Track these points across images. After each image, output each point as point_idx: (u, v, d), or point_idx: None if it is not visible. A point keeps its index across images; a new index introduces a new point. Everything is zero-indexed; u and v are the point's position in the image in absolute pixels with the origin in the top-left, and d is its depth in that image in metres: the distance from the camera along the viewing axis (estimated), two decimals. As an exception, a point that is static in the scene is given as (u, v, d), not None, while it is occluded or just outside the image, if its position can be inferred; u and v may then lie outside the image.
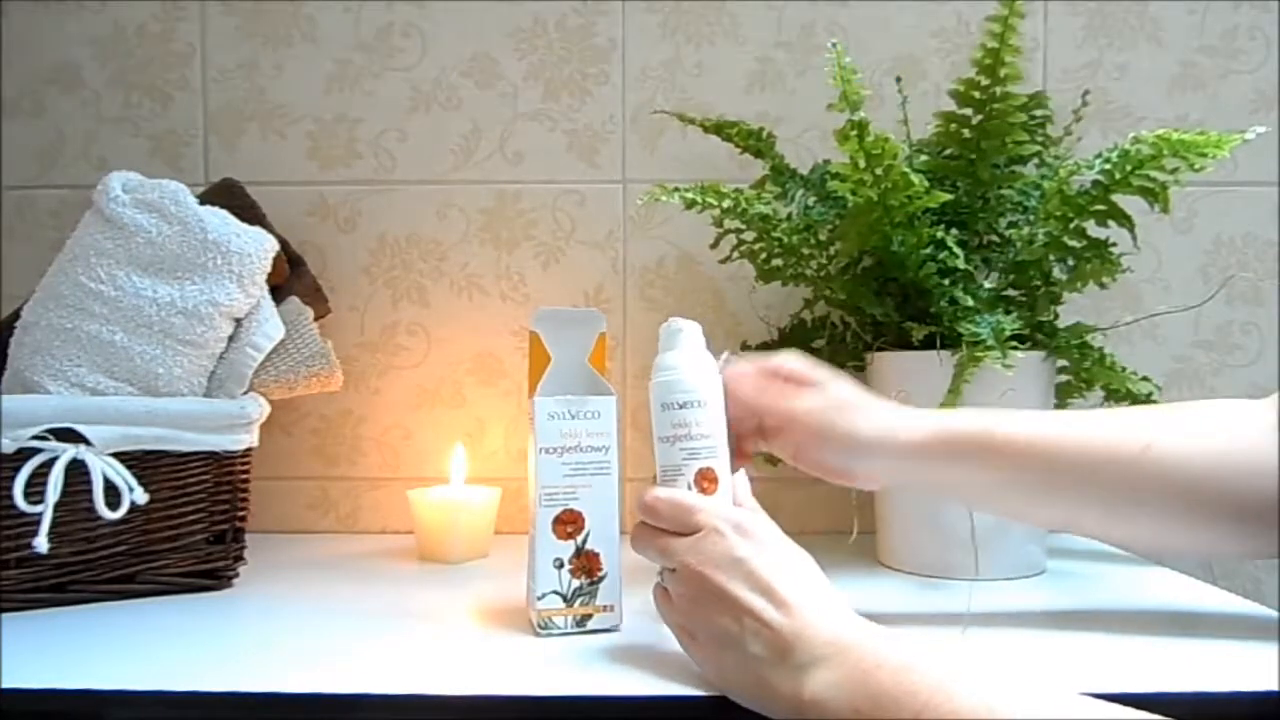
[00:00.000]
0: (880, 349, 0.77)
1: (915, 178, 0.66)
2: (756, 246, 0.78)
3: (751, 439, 0.59)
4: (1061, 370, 0.75)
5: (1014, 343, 0.65)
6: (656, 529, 0.51)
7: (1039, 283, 0.73)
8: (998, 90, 0.70)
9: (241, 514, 0.72)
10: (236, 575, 0.71)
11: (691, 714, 0.48)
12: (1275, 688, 0.46)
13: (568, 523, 0.57)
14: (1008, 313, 0.69)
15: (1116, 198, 0.67)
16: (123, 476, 0.64)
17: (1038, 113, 0.77)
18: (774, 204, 0.76)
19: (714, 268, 0.90)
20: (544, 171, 0.95)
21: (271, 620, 0.63)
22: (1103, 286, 0.73)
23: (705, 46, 0.94)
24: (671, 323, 0.56)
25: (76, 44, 0.95)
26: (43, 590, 0.64)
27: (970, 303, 0.69)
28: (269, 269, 0.73)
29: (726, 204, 0.71)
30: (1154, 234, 0.89)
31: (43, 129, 0.95)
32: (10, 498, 0.60)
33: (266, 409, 0.73)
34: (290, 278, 0.81)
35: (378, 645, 0.57)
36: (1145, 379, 0.71)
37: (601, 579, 0.58)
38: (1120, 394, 0.70)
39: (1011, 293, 0.74)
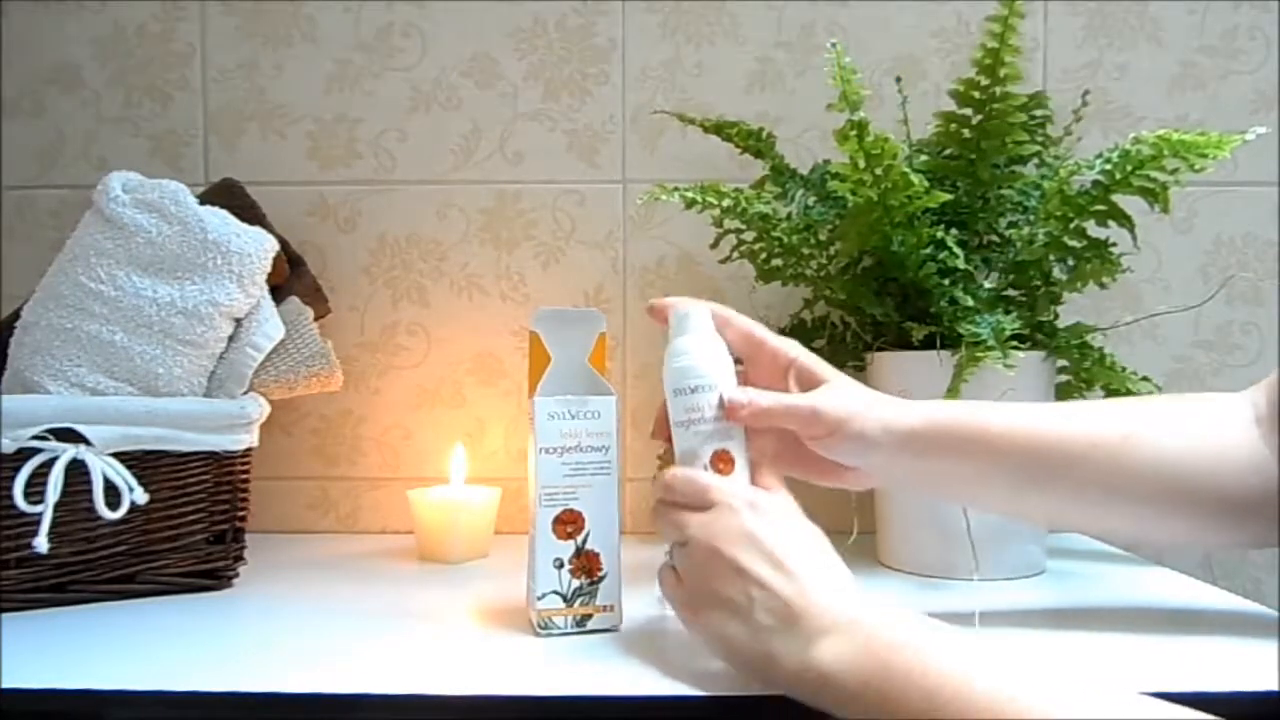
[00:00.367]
0: (880, 349, 0.77)
1: (915, 178, 0.66)
2: (756, 246, 0.78)
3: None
4: (1061, 370, 0.75)
5: (1014, 343, 0.65)
6: (673, 504, 0.52)
7: (1039, 283, 0.73)
8: (998, 90, 0.70)
9: (241, 514, 0.72)
10: (236, 575, 0.71)
11: (691, 714, 0.48)
12: (1275, 688, 0.46)
13: (568, 523, 0.57)
14: (1007, 313, 0.69)
15: (1116, 198, 0.67)
16: (123, 476, 0.64)
17: (1038, 113, 0.77)
18: (774, 204, 0.76)
19: (714, 268, 0.90)
20: (544, 171, 0.95)
21: (271, 620, 0.63)
22: (1103, 286, 0.73)
23: (705, 46, 0.94)
24: (678, 306, 0.56)
25: (76, 44, 0.95)
26: (43, 590, 0.64)
27: (970, 303, 0.69)
28: (269, 269, 0.73)
29: (726, 204, 0.71)
30: (1154, 234, 0.89)
31: (43, 129, 0.95)
32: (10, 498, 0.60)
33: (266, 409, 0.73)
34: (290, 278, 0.81)
35: (378, 645, 0.57)
36: (1145, 379, 0.71)
37: (601, 579, 0.58)
38: (1120, 394, 0.70)
39: (1011, 293, 0.74)
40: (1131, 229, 0.69)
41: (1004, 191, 0.74)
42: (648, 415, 0.95)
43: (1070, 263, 0.72)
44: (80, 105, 0.95)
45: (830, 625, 0.44)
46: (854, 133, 0.65)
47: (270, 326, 0.74)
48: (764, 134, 0.81)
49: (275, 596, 0.69)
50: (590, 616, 0.58)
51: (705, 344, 0.55)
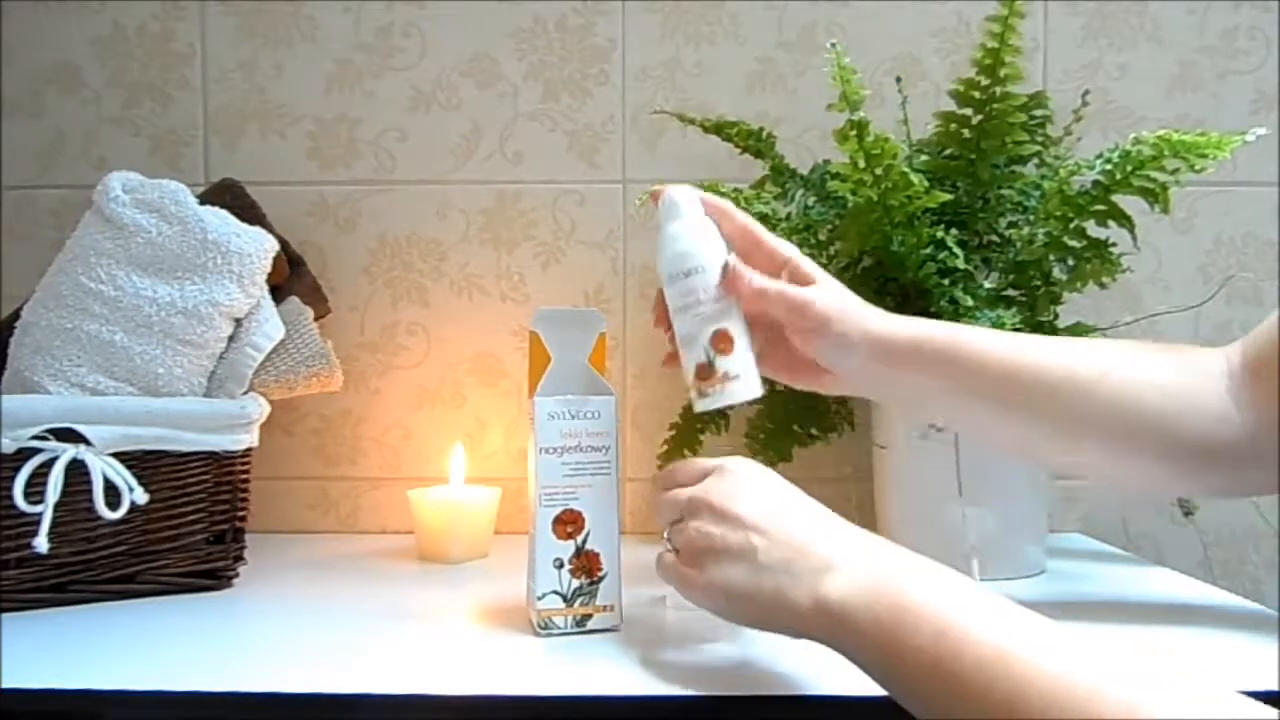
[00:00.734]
0: (880, 349, 0.77)
1: (915, 178, 0.66)
2: (756, 246, 0.78)
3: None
4: (1061, 370, 0.75)
5: (1014, 343, 0.65)
6: (673, 484, 0.52)
7: (1039, 283, 0.73)
8: (998, 90, 0.70)
9: (241, 514, 0.72)
10: (236, 575, 0.71)
11: (692, 714, 0.48)
12: (1275, 687, 0.47)
13: (568, 523, 0.57)
14: (1008, 312, 0.69)
15: (1116, 198, 0.67)
16: (123, 476, 0.64)
17: (1038, 113, 0.77)
18: (774, 204, 0.76)
19: (714, 268, 0.90)
20: (544, 171, 0.95)
21: (271, 620, 0.63)
22: (1103, 286, 0.73)
23: (705, 46, 0.94)
24: (668, 194, 0.56)
25: (76, 44, 0.95)
26: (43, 590, 0.64)
27: (970, 303, 0.69)
28: (269, 269, 0.73)
29: (726, 204, 0.71)
30: (1154, 234, 0.89)
31: (43, 129, 0.95)
32: (10, 498, 0.60)
33: (266, 409, 0.73)
34: (290, 278, 0.81)
35: (378, 645, 0.57)
36: (1145, 379, 0.71)
37: (601, 579, 0.58)
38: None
39: (1011, 293, 0.74)
40: (1131, 229, 0.69)
41: (1004, 191, 0.74)
42: (648, 415, 0.96)
43: (1070, 263, 0.72)
44: (80, 105, 0.95)
45: (840, 557, 0.43)
46: (854, 133, 0.65)
47: (270, 326, 0.74)
48: (764, 134, 0.81)
49: (275, 596, 0.69)
50: (590, 616, 0.58)
51: (696, 228, 0.56)
